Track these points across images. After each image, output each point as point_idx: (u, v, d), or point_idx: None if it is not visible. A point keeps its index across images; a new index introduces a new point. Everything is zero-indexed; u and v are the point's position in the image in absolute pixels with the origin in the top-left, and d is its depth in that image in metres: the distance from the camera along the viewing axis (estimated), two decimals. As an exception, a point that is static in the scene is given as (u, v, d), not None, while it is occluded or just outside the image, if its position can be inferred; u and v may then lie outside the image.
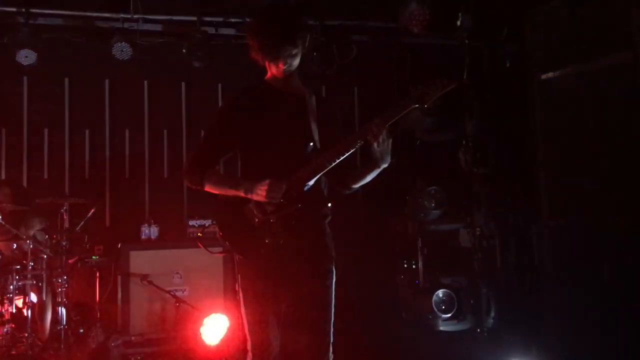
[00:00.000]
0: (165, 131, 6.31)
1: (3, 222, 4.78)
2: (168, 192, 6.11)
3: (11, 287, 4.70)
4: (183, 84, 6.37)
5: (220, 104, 6.07)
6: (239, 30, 5.82)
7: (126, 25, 5.64)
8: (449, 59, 5.23)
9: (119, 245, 5.36)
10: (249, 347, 2.56)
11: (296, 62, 2.53)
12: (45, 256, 4.90)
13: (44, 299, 4.88)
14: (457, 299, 5.36)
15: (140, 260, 5.30)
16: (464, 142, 5.13)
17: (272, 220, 2.44)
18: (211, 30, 5.82)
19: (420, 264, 5.57)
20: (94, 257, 5.45)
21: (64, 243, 4.98)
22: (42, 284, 4.85)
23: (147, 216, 5.91)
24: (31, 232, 5.05)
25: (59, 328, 4.85)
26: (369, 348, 4.91)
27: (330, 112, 2.66)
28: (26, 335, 4.59)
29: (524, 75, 4.65)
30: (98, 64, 5.94)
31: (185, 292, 5.26)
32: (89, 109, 6.16)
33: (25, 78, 6.03)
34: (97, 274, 5.41)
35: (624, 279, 3.81)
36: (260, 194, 2.40)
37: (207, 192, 2.58)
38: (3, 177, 5.88)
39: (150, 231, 5.58)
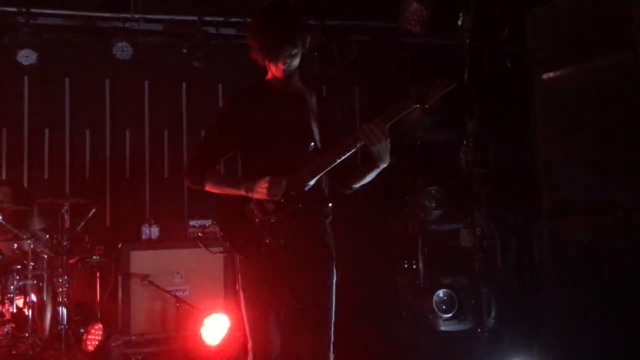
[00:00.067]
0: (165, 131, 6.31)
1: (3, 222, 4.79)
2: (168, 192, 6.11)
3: (12, 287, 4.70)
4: (183, 84, 6.38)
5: (220, 104, 6.08)
6: (239, 30, 5.83)
7: (127, 25, 5.65)
8: (449, 59, 5.21)
9: (120, 245, 5.36)
10: (249, 347, 2.56)
11: (296, 62, 2.53)
12: (45, 256, 4.91)
13: (45, 299, 4.88)
14: (458, 299, 5.36)
15: (140, 260, 5.29)
16: (464, 142, 5.12)
17: (273, 220, 2.44)
18: (211, 30, 5.83)
19: (420, 264, 5.57)
20: (94, 257, 5.45)
21: (64, 243, 4.99)
22: (42, 284, 4.86)
23: (148, 216, 5.91)
24: (31, 232, 5.06)
25: (59, 328, 4.86)
26: (370, 348, 4.91)
27: (330, 112, 2.66)
28: (27, 335, 4.61)
29: (524, 75, 4.64)
30: (98, 64, 5.94)
31: (185, 292, 5.26)
32: (90, 109, 6.17)
33: (25, 78, 6.04)
34: (98, 274, 5.42)
35: (624, 279, 3.80)
36: (261, 191, 2.40)
37: (207, 192, 2.59)
38: (4, 177, 5.89)
39: (150, 231, 5.57)
